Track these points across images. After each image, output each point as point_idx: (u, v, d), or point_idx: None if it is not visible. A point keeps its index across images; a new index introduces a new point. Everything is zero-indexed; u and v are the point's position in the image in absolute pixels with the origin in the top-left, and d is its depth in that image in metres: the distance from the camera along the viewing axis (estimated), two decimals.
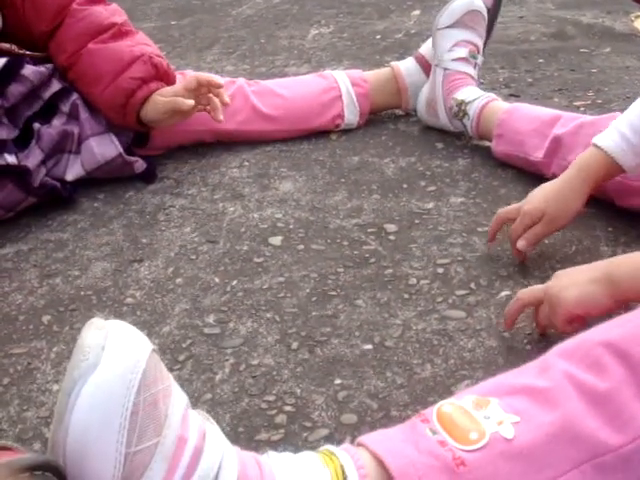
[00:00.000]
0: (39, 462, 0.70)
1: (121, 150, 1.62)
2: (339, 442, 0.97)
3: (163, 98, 1.60)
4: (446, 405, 0.86)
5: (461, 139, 1.77)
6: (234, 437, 0.99)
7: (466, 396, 0.87)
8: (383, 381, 1.08)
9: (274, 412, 1.04)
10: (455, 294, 1.25)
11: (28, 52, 1.63)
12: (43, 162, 1.55)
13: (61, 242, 1.47)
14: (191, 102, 1.58)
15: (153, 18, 2.94)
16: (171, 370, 1.12)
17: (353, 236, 1.43)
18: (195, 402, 1.06)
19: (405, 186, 1.59)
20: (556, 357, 0.90)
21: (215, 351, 1.16)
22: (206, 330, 1.21)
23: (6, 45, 1.60)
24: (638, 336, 0.88)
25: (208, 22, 2.85)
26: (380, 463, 0.81)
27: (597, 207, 1.42)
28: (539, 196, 1.31)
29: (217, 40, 2.63)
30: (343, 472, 0.80)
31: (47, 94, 1.60)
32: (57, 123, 1.61)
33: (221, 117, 1.61)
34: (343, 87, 1.84)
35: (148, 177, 1.67)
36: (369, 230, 1.44)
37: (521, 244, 1.30)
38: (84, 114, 1.63)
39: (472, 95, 1.70)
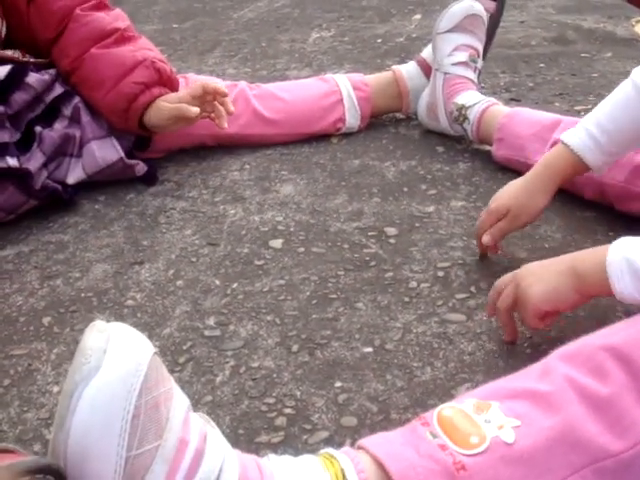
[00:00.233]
0: (40, 465, 0.70)
1: (122, 154, 1.62)
2: (339, 445, 0.97)
3: (168, 104, 1.60)
4: (447, 409, 0.86)
5: (462, 143, 1.77)
6: (234, 439, 0.99)
7: (467, 400, 0.87)
8: (383, 384, 1.08)
9: (274, 414, 1.04)
10: (455, 297, 1.25)
11: (32, 59, 1.63)
12: (44, 165, 1.55)
13: (62, 244, 1.47)
14: (196, 110, 1.57)
15: (155, 21, 2.95)
16: (171, 372, 1.11)
17: (353, 239, 1.43)
18: (195, 404, 1.06)
19: (406, 189, 1.59)
20: (557, 361, 0.90)
21: (215, 353, 1.16)
22: (206, 332, 1.21)
23: (10, 53, 1.60)
24: None
25: (210, 25, 2.85)
26: (380, 466, 0.81)
27: (598, 211, 1.42)
28: (506, 193, 1.32)
29: (218, 43, 2.63)
30: (343, 476, 0.80)
31: (49, 98, 1.60)
32: (59, 126, 1.61)
33: (225, 125, 1.61)
34: (344, 91, 1.84)
35: (149, 180, 1.67)
36: (369, 233, 1.44)
37: (486, 239, 1.31)
38: (86, 118, 1.63)
39: (472, 99, 1.71)
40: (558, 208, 1.44)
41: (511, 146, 1.58)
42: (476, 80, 1.78)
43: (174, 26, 2.87)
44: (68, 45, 1.64)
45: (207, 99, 1.61)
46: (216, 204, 1.58)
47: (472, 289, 1.26)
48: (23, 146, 1.53)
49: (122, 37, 1.66)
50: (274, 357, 1.15)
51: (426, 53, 1.86)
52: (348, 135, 1.85)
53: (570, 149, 1.26)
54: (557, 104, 1.96)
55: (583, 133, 1.25)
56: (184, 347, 1.18)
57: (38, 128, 1.57)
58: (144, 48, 1.67)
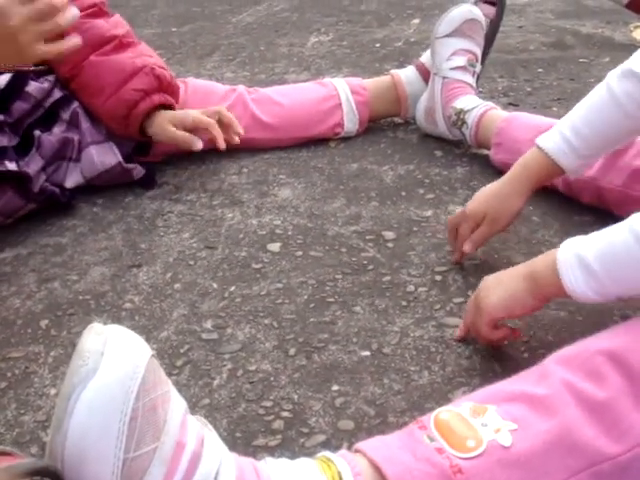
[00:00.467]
0: (38, 467, 0.70)
1: (120, 159, 1.62)
2: (336, 448, 0.97)
3: (175, 131, 1.61)
4: (444, 412, 0.86)
5: (460, 147, 1.77)
6: (231, 442, 0.99)
7: (464, 403, 0.88)
8: (380, 388, 1.08)
9: (271, 418, 1.04)
10: (453, 301, 1.25)
11: (32, 67, 1.62)
12: (43, 169, 1.55)
13: (60, 247, 1.47)
14: (200, 145, 1.60)
15: (154, 25, 2.95)
16: (169, 375, 1.11)
17: (351, 243, 1.43)
18: (193, 407, 1.06)
19: (404, 194, 1.59)
20: (554, 364, 0.90)
21: (213, 356, 1.16)
22: (204, 335, 1.21)
23: None
24: (638, 346, 0.89)
25: (208, 29, 2.85)
26: (377, 470, 0.81)
27: (596, 215, 1.42)
28: (481, 197, 1.33)
29: (217, 47, 2.63)
30: (340, 479, 0.80)
31: (48, 102, 1.60)
32: (57, 131, 1.61)
33: (224, 146, 1.63)
34: (343, 95, 1.84)
35: (147, 183, 1.68)
36: (367, 237, 1.44)
37: (467, 247, 1.32)
38: (85, 122, 1.63)
39: (471, 104, 1.71)
40: (556, 212, 1.45)
41: (509, 150, 1.58)
42: (474, 84, 1.78)
43: (173, 30, 2.87)
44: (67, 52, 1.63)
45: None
46: (214, 207, 1.59)
47: (469, 293, 1.25)
48: (22, 150, 1.53)
49: (121, 44, 1.66)
50: (271, 360, 1.15)
51: (425, 58, 1.87)
52: (346, 139, 1.85)
53: (545, 153, 1.26)
54: (555, 109, 1.96)
55: (558, 137, 1.25)
56: (181, 350, 1.18)
57: (37, 132, 1.56)
58: (144, 54, 1.67)
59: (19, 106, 1.56)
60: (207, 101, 1.75)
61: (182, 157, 1.77)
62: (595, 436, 0.83)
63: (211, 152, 1.76)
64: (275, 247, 1.43)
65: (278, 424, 1.03)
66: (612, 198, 1.39)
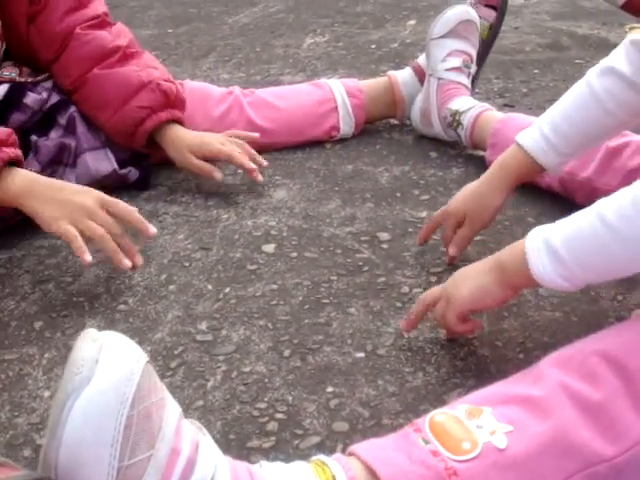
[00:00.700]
0: (33, 479, 0.70)
1: (116, 166, 1.62)
2: (330, 450, 0.97)
3: (195, 162, 1.60)
4: (439, 414, 0.86)
5: (455, 148, 1.77)
6: (225, 444, 0.99)
7: (459, 405, 0.87)
8: (375, 389, 1.08)
9: (265, 419, 1.04)
10: None
11: (30, 79, 1.62)
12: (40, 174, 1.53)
13: (54, 248, 1.46)
14: (220, 176, 1.60)
15: (150, 26, 2.94)
16: (163, 377, 1.12)
17: (346, 244, 1.43)
18: (187, 409, 1.05)
19: (399, 195, 1.59)
20: (549, 366, 0.90)
21: (207, 358, 1.16)
22: (198, 337, 1.21)
23: (7, 74, 1.59)
24: (633, 346, 0.89)
25: (204, 30, 2.85)
26: (372, 473, 0.81)
27: None
28: (460, 197, 1.34)
29: (213, 48, 2.63)
30: None
31: (45, 107, 1.60)
32: (54, 135, 1.59)
33: (260, 178, 1.62)
34: (339, 97, 1.83)
35: (142, 184, 1.67)
36: (362, 238, 1.44)
37: (452, 251, 1.33)
38: (81, 128, 1.61)
39: (466, 105, 1.71)
40: (551, 213, 1.45)
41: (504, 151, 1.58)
42: (470, 85, 1.78)
43: (169, 31, 2.87)
44: (69, 64, 1.63)
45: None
46: (209, 208, 1.58)
47: None
48: None
49: (125, 55, 1.65)
50: (266, 362, 1.14)
51: (422, 59, 1.86)
52: (342, 140, 1.85)
53: (524, 150, 1.26)
54: None
55: (537, 134, 1.26)
56: (176, 352, 1.18)
57: (34, 137, 1.56)
58: (149, 66, 1.66)
59: (17, 117, 1.55)
60: (204, 105, 1.74)
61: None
62: (591, 438, 0.83)
63: None
64: (270, 248, 1.43)
65: (272, 426, 1.03)
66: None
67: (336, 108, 1.83)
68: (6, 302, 1.32)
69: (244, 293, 1.31)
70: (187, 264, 1.40)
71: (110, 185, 1.63)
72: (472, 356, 1.13)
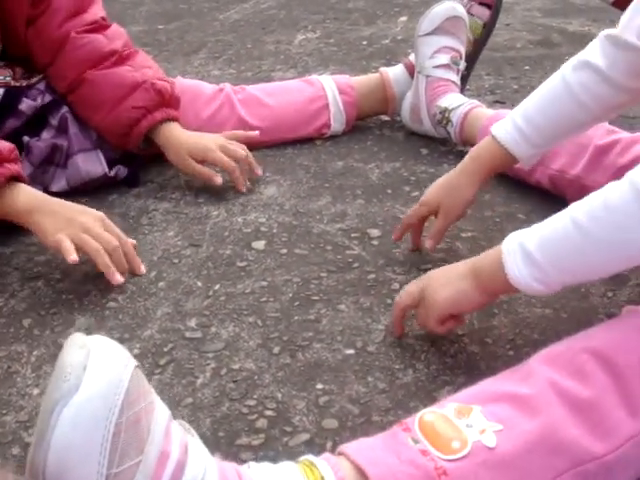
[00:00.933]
0: None
1: (107, 169, 1.61)
2: (320, 447, 0.97)
3: (194, 166, 1.60)
4: (428, 414, 0.86)
5: (446, 145, 1.77)
6: (214, 441, 0.99)
7: (448, 404, 0.87)
8: (365, 386, 1.08)
9: (255, 417, 1.04)
10: None
11: (25, 83, 1.61)
12: (31, 175, 1.53)
13: (43, 246, 1.45)
14: (220, 181, 1.59)
15: (141, 22, 2.93)
16: (152, 374, 1.11)
17: (336, 241, 1.42)
18: (176, 406, 1.05)
19: (389, 191, 1.59)
20: (539, 364, 0.90)
21: (196, 355, 1.16)
22: (188, 334, 1.20)
23: (1, 78, 1.58)
24: (623, 343, 0.89)
25: (195, 26, 2.84)
26: (361, 473, 0.80)
27: None
28: (434, 188, 1.35)
29: (204, 44, 2.62)
30: None
31: (37, 102, 1.59)
32: (46, 136, 1.59)
33: (244, 190, 1.62)
34: (330, 94, 1.83)
35: (132, 181, 1.66)
36: (352, 235, 1.44)
37: (429, 244, 1.33)
38: (73, 129, 1.61)
39: (455, 102, 1.71)
40: (541, 211, 1.44)
41: None
42: (459, 82, 1.78)
43: (160, 27, 2.86)
44: (65, 67, 1.63)
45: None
46: (199, 205, 1.58)
47: None
48: None
49: (120, 58, 1.64)
50: (255, 359, 1.14)
51: (413, 56, 1.86)
52: (332, 137, 1.85)
53: (497, 141, 1.27)
54: None
55: (510, 125, 1.26)
56: (165, 349, 1.17)
57: (26, 138, 1.55)
58: (143, 66, 1.65)
59: (11, 123, 1.55)
60: (195, 103, 1.73)
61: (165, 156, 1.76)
62: (580, 435, 0.83)
63: None
64: (260, 245, 1.43)
65: (262, 423, 1.02)
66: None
67: (327, 105, 1.83)
68: None
69: (234, 290, 1.30)
70: (177, 261, 1.39)
71: (99, 185, 1.63)
72: (462, 353, 1.13)
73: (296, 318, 1.23)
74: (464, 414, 0.84)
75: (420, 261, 1.35)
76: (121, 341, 1.18)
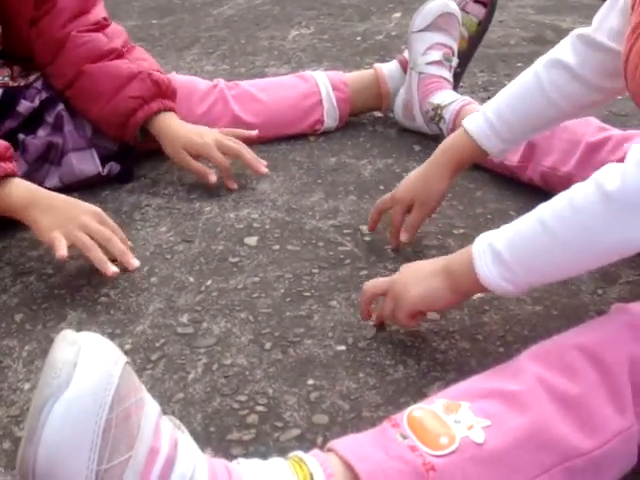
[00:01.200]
0: None
1: (100, 169, 1.61)
2: (310, 442, 0.98)
3: (190, 161, 1.59)
4: (417, 410, 0.86)
5: (438, 141, 1.72)
6: (205, 437, 0.99)
7: (437, 400, 0.88)
8: (355, 382, 1.08)
9: (246, 412, 1.04)
10: None
11: (22, 82, 1.61)
12: (26, 173, 1.52)
13: (36, 240, 1.45)
14: (214, 179, 1.58)
15: (134, 17, 2.93)
16: (144, 369, 1.12)
17: (329, 237, 1.43)
18: (167, 401, 1.05)
19: (382, 188, 1.59)
20: (528, 360, 0.91)
21: (188, 351, 1.16)
22: (179, 330, 1.21)
23: (0, 78, 1.59)
24: (611, 341, 0.89)
25: (189, 22, 2.84)
26: (349, 469, 0.81)
27: None
28: (407, 182, 1.36)
29: (197, 40, 2.62)
30: None
31: (35, 103, 1.59)
32: (42, 134, 1.59)
33: (234, 187, 1.62)
34: (324, 91, 1.83)
35: (125, 177, 1.66)
36: (345, 231, 1.44)
37: (404, 237, 1.35)
38: (68, 126, 1.61)
39: (448, 99, 1.71)
40: (533, 207, 1.44)
41: None
42: (451, 79, 1.78)
43: (153, 22, 2.86)
44: (65, 65, 1.63)
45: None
46: (192, 201, 1.58)
47: None
48: None
49: (119, 55, 1.65)
50: (247, 355, 1.14)
51: (407, 52, 1.86)
52: (325, 133, 1.85)
53: (468, 134, 1.29)
54: None
55: (482, 119, 1.28)
56: (157, 344, 1.17)
57: (21, 136, 1.55)
58: (139, 59, 1.66)
59: (8, 124, 1.55)
60: (189, 99, 1.73)
61: (160, 151, 1.75)
62: (568, 431, 0.83)
63: None
64: (252, 241, 1.43)
65: (252, 418, 1.03)
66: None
67: (321, 101, 1.83)
68: None
69: (226, 286, 1.30)
70: (169, 256, 1.40)
71: (92, 183, 1.63)
72: (452, 349, 1.13)
73: (288, 314, 1.23)
74: (452, 410, 0.85)
75: (412, 257, 1.35)
76: (113, 336, 1.18)
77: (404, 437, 0.83)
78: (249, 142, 1.71)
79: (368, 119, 1.93)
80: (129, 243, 1.37)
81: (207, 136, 1.61)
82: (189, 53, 2.49)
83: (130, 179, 1.67)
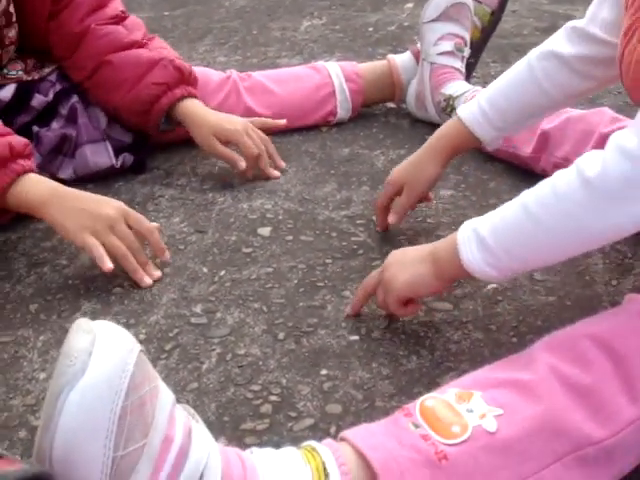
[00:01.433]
0: (29, 475, 0.70)
1: (114, 161, 1.61)
2: (324, 432, 0.98)
3: (221, 149, 1.58)
4: (429, 399, 0.87)
5: None
6: (219, 426, 1.00)
7: (449, 389, 0.88)
8: (369, 372, 1.08)
9: (260, 402, 1.04)
10: None
11: (37, 75, 1.62)
12: (39, 165, 1.53)
13: (50, 231, 1.46)
14: (244, 165, 1.58)
15: (146, 8, 2.94)
16: (158, 359, 1.12)
17: (342, 227, 1.43)
18: (181, 391, 1.06)
19: None
20: (541, 350, 0.91)
21: (202, 341, 1.16)
22: (193, 320, 1.21)
23: (14, 73, 1.59)
24: (624, 330, 0.89)
25: (201, 13, 2.84)
26: (362, 458, 0.81)
27: None
28: (400, 167, 1.39)
29: (209, 31, 2.62)
30: (325, 469, 0.80)
31: (49, 97, 1.60)
32: (56, 126, 1.59)
33: (243, 166, 1.60)
34: (336, 82, 1.83)
35: (138, 168, 1.67)
36: (358, 222, 1.45)
37: (392, 219, 1.37)
38: (82, 119, 1.61)
39: (460, 89, 1.71)
40: None
41: None
42: (463, 69, 1.78)
43: (165, 14, 2.86)
44: (85, 57, 1.64)
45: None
46: (205, 192, 1.58)
47: None
48: None
49: (140, 47, 1.65)
50: (260, 345, 1.15)
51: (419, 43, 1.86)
52: (338, 124, 1.85)
53: (462, 121, 1.31)
54: None
55: (475, 107, 1.30)
56: (170, 334, 1.18)
57: (35, 128, 1.56)
58: (158, 47, 1.67)
59: (22, 119, 1.56)
60: (202, 91, 1.73)
61: (174, 142, 1.76)
62: (581, 420, 0.83)
63: None
64: (265, 231, 1.43)
65: (266, 408, 1.03)
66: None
67: (334, 93, 1.83)
68: (1, 285, 1.32)
69: (239, 276, 1.31)
70: (182, 247, 1.40)
71: (106, 174, 1.63)
72: (466, 340, 1.14)
73: (301, 304, 1.23)
74: (465, 399, 0.85)
75: None
76: (127, 326, 1.18)
77: (416, 426, 0.83)
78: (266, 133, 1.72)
79: (380, 110, 1.93)
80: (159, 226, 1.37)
81: (238, 123, 1.61)
82: (201, 44, 2.49)
83: (143, 170, 1.67)
